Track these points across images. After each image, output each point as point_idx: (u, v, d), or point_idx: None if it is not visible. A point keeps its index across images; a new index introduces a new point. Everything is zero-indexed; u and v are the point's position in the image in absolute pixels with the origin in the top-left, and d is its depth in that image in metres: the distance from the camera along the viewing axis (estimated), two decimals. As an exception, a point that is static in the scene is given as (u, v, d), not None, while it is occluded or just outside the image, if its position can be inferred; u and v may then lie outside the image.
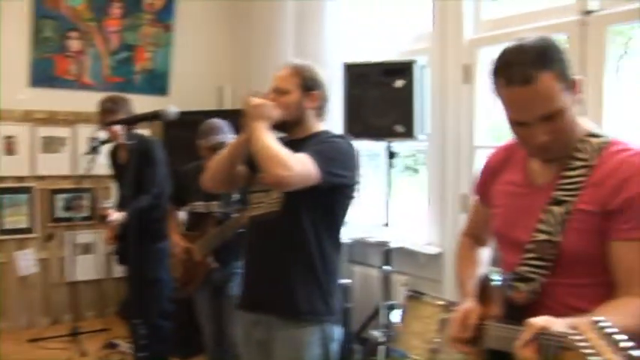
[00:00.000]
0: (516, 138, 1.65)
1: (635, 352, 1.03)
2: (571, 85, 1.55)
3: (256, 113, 2.30)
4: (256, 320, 2.48)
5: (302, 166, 2.20)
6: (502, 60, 1.57)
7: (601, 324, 1.11)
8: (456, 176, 4.00)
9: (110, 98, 3.99)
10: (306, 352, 2.38)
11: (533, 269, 1.61)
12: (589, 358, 1.06)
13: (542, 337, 1.26)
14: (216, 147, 3.22)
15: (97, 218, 3.94)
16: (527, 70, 1.50)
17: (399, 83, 3.78)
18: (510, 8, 4.07)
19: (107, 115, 3.91)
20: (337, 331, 2.50)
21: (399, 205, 5.62)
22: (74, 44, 5.43)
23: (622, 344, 1.05)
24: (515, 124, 1.59)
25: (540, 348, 1.26)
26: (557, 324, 1.28)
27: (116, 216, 3.81)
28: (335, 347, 2.49)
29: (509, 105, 1.57)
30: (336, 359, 2.50)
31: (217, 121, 3.60)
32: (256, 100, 2.33)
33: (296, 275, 2.38)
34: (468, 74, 3.94)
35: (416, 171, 5.96)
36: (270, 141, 2.24)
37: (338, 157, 2.33)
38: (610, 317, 1.27)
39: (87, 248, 5.42)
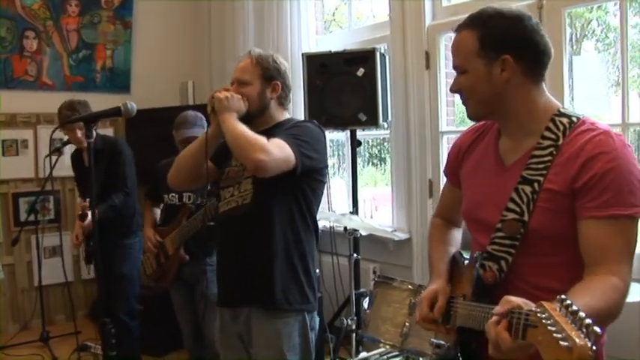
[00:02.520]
0: None
1: (596, 328, 1.06)
2: (495, 59, 1.60)
3: (224, 106, 2.29)
4: (234, 314, 2.47)
5: (280, 150, 2.20)
6: None
7: (566, 302, 1.14)
8: (422, 162, 4.04)
9: (68, 105, 3.86)
10: (286, 343, 2.38)
11: (502, 248, 1.62)
12: (554, 334, 1.09)
13: (512, 314, 1.27)
14: (187, 141, 3.18)
15: (79, 216, 3.81)
16: (462, 23, 1.68)
17: (361, 72, 3.80)
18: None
19: (66, 124, 3.83)
20: (315, 320, 2.50)
21: (366, 193, 5.67)
22: (31, 44, 5.34)
23: (585, 321, 1.07)
24: None
25: (510, 325, 1.27)
26: (526, 303, 1.30)
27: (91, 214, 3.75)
28: (314, 336, 2.48)
29: None
30: (314, 348, 2.49)
31: (189, 115, 3.57)
32: (223, 93, 2.32)
33: (272, 266, 2.36)
34: (429, 60, 3.97)
35: (383, 160, 6.01)
36: (244, 129, 2.24)
37: (309, 140, 2.33)
38: (576, 300, 1.30)
39: (54, 251, 5.34)
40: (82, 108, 3.83)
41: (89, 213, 3.69)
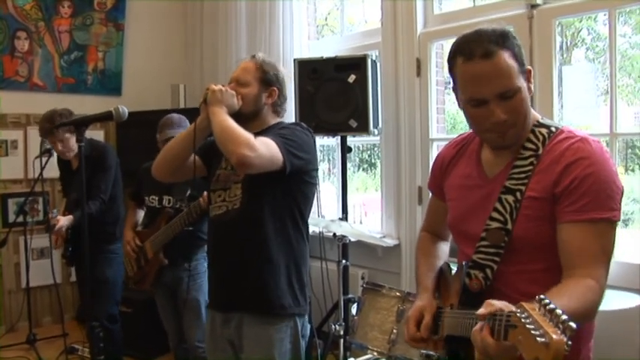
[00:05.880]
0: (472, 121, 1.66)
1: (572, 324, 1.08)
2: (525, 71, 1.61)
3: (216, 98, 2.30)
4: (226, 319, 2.47)
5: (266, 148, 2.20)
6: (462, 40, 1.62)
7: (544, 301, 1.16)
8: (411, 169, 4.06)
9: (47, 118, 3.83)
10: (277, 349, 2.38)
11: (487, 256, 1.65)
12: (532, 331, 1.12)
13: (494, 318, 1.29)
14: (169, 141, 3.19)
15: (45, 228, 3.80)
16: (488, 46, 1.55)
17: (352, 78, 3.81)
18: (460, 2, 4.14)
19: (47, 136, 3.81)
20: (306, 327, 2.50)
21: (356, 198, 5.68)
22: (23, 45, 5.32)
23: (561, 317, 1.10)
24: (473, 103, 1.60)
25: (493, 329, 1.29)
26: (507, 306, 1.31)
27: (62, 221, 3.72)
28: (304, 343, 2.48)
29: (469, 81, 1.59)
30: (304, 355, 2.49)
31: (174, 117, 3.58)
32: (217, 86, 2.33)
33: (263, 271, 2.36)
34: (420, 67, 3.99)
35: (373, 165, 6.02)
36: (232, 123, 2.24)
37: (298, 140, 2.33)
38: (554, 302, 1.32)
39: (42, 253, 5.32)
40: (63, 119, 3.77)
41: (57, 222, 3.69)
